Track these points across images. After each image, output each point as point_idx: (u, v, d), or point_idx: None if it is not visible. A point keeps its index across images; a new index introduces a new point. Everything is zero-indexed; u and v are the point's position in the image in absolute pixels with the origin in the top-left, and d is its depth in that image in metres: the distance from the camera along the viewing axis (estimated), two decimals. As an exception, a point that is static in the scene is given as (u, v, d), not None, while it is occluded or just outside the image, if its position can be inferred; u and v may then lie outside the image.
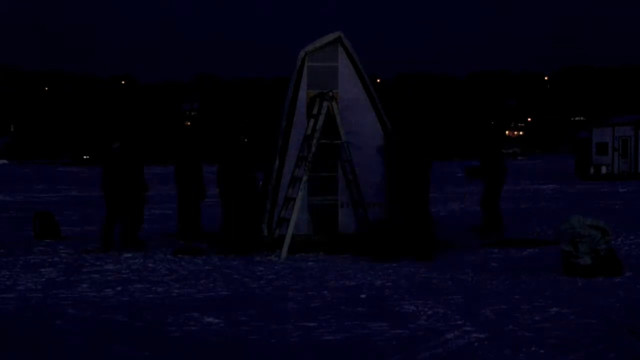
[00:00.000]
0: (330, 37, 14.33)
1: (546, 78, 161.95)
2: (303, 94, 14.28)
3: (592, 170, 46.76)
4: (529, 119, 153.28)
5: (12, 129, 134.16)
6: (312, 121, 13.95)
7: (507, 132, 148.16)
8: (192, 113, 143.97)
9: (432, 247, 13.24)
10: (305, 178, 13.64)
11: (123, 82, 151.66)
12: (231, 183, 14.02)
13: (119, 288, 10.41)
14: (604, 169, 46.38)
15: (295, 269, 12.13)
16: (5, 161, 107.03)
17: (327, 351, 7.17)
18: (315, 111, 13.96)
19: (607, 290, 9.89)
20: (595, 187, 36.23)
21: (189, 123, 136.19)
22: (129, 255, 13.52)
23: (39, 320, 8.49)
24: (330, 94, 13.87)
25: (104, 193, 14.38)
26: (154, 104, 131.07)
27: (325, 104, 13.79)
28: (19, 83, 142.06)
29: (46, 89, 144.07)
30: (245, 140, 15.76)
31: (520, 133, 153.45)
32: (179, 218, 15.97)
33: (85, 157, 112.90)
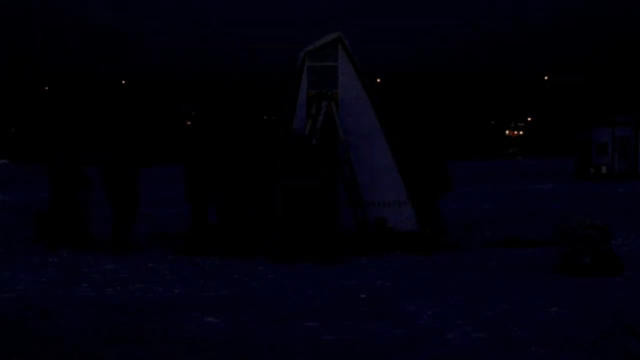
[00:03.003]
0: (330, 37, 14.33)
1: (546, 78, 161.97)
2: (303, 94, 14.27)
3: (592, 170, 46.71)
4: (529, 119, 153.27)
5: (12, 129, 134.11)
6: (310, 121, 13.95)
7: (507, 132, 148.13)
8: (192, 113, 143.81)
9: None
10: (305, 178, 13.61)
11: (123, 82, 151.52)
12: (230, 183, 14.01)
13: (119, 288, 10.41)
14: (604, 169, 46.30)
15: (296, 269, 12.13)
16: (5, 161, 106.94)
17: (327, 351, 7.16)
18: (313, 111, 13.96)
19: (607, 290, 9.89)
20: (595, 187, 36.21)
21: (189, 123, 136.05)
22: (129, 255, 13.51)
23: (39, 320, 8.49)
24: (329, 93, 13.87)
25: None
26: (154, 104, 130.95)
27: (323, 103, 13.79)
28: (19, 83, 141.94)
29: (46, 88, 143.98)
30: (244, 140, 15.69)
31: (520, 133, 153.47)
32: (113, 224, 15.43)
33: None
